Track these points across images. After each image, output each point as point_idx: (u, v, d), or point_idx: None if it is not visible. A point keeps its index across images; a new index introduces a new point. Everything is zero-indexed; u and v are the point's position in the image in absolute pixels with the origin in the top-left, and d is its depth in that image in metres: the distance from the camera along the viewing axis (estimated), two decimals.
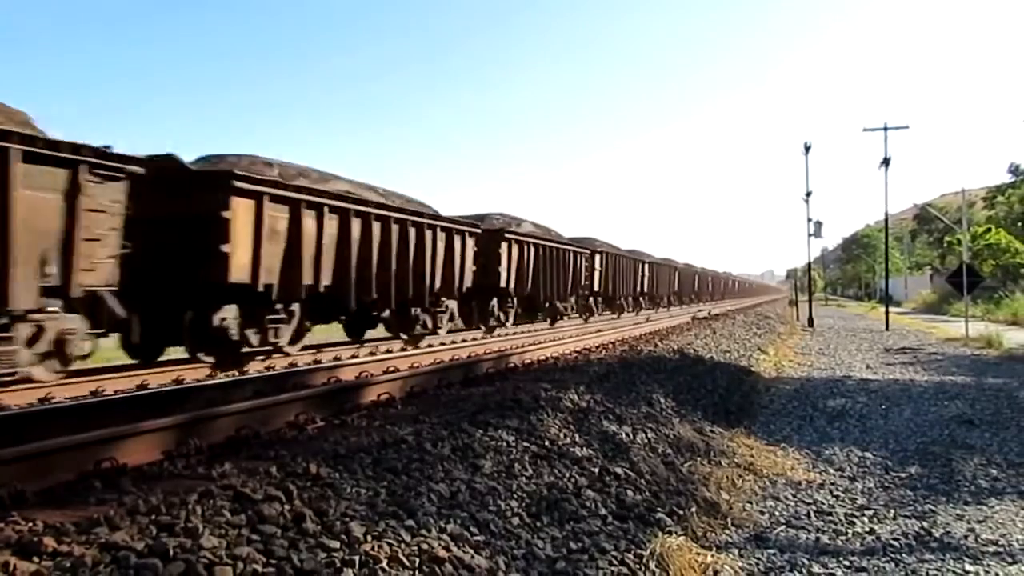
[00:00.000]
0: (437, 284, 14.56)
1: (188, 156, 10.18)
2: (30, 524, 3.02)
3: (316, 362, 10.25)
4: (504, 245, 17.94)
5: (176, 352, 10.36)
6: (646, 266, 35.03)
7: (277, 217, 10.19)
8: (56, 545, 2.72)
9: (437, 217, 15.02)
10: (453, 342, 14.36)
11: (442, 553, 3.28)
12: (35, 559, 2.63)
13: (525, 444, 5.07)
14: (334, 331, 14.41)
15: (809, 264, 40.31)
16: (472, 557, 3.39)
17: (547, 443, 5.22)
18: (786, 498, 5.79)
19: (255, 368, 9.80)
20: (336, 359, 10.57)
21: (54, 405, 6.33)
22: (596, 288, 26.96)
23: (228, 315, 9.61)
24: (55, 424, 5.25)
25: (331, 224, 11.35)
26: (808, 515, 5.35)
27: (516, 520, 3.99)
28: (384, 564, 3.02)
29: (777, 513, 5.40)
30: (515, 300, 19.15)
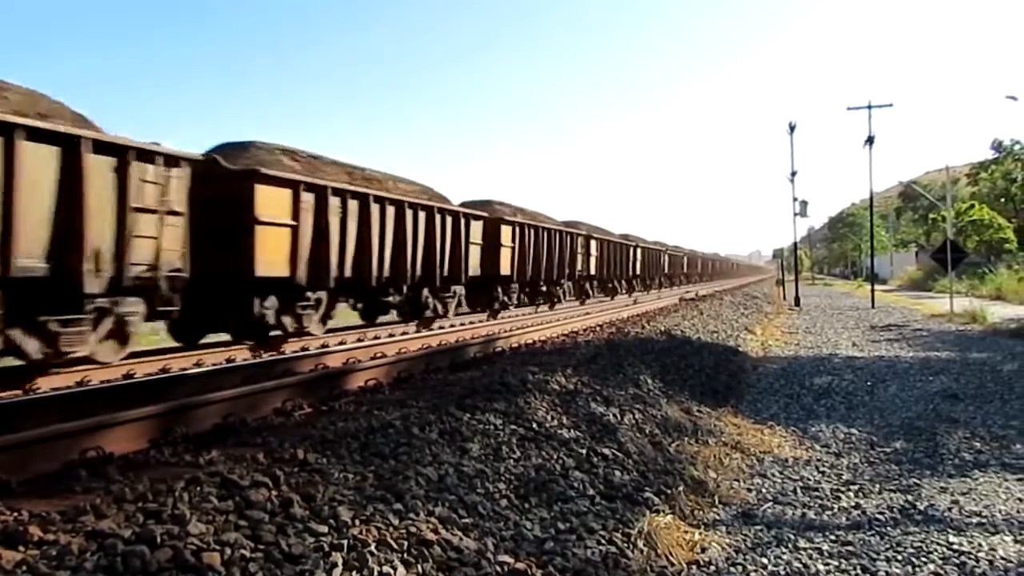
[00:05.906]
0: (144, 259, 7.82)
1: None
2: (15, 514, 3.02)
3: (304, 348, 10.22)
4: (377, 208, 11.82)
5: None
6: (591, 242, 26.83)
7: None
8: (42, 534, 2.72)
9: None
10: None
11: (430, 536, 3.29)
12: (21, 548, 2.62)
13: (513, 427, 5.08)
14: None
15: (795, 243, 40.51)
16: (460, 539, 3.40)
17: (535, 426, 5.24)
18: (773, 475, 5.84)
19: (244, 356, 9.76)
20: (323, 346, 10.54)
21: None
22: (506, 272, 18.50)
23: None
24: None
25: None
26: (795, 491, 5.40)
27: (504, 502, 4.00)
28: (372, 548, 3.02)
29: (764, 490, 5.44)
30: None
